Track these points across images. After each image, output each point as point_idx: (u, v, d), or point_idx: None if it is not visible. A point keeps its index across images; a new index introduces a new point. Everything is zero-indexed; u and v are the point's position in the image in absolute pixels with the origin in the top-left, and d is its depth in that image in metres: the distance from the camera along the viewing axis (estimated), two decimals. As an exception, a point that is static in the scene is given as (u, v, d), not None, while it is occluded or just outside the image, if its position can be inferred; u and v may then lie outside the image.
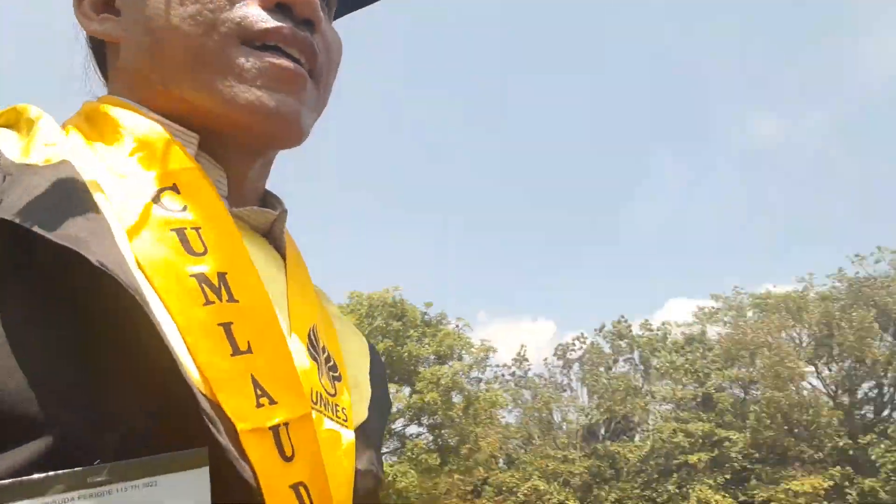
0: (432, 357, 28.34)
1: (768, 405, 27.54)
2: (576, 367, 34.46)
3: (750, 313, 31.69)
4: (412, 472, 25.67)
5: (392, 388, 23.35)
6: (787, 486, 25.59)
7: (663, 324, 33.56)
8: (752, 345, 29.28)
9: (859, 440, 26.71)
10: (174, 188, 0.52)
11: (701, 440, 27.85)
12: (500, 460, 32.85)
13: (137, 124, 0.55)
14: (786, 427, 27.29)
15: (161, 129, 0.55)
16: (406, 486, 25.34)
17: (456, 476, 29.23)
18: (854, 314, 27.45)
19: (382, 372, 0.73)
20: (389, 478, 23.71)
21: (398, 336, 27.05)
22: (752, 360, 29.04)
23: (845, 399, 29.30)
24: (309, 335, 0.58)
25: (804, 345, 30.02)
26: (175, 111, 0.58)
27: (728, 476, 27.52)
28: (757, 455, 27.78)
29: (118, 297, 0.43)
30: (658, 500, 29.08)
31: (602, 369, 33.66)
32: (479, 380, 32.25)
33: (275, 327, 0.52)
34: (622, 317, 33.63)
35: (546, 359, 34.80)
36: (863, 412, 29.00)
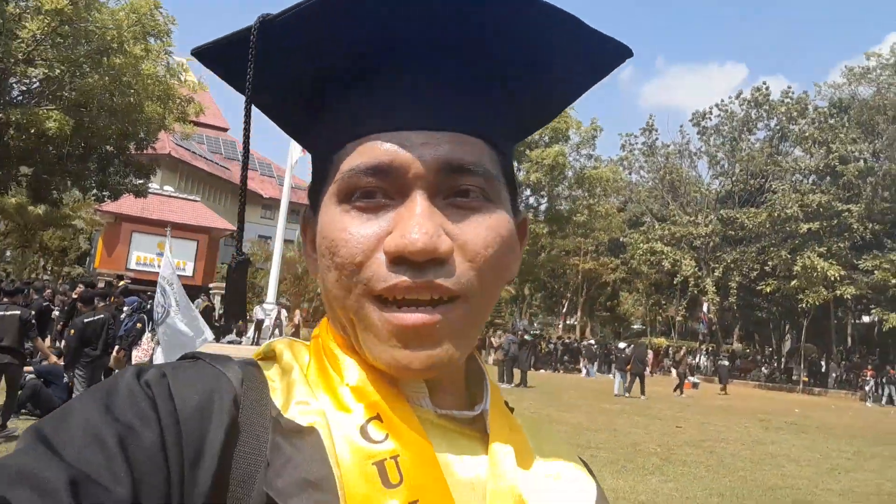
0: (546, 139, 30.83)
1: (884, 178, 26.45)
2: (714, 134, 34.35)
3: (905, 74, 28.58)
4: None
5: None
6: (892, 258, 25.57)
7: (804, 93, 31.56)
8: (892, 108, 27.23)
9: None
10: (378, 417, 0.56)
11: (820, 210, 27.91)
12: (626, 225, 35.20)
13: (349, 364, 0.60)
14: (904, 198, 26.19)
15: (362, 366, 0.60)
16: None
17: (578, 238, 32.97)
18: None
19: None
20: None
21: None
22: (889, 126, 27.18)
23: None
24: None
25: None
26: None
27: (841, 245, 27.69)
28: (878, 227, 27.33)
29: None
30: (769, 263, 30.35)
31: (743, 136, 33.37)
32: (591, 156, 34.02)
33: None
34: (763, 83, 32.28)
35: (682, 126, 34.86)
36: None
